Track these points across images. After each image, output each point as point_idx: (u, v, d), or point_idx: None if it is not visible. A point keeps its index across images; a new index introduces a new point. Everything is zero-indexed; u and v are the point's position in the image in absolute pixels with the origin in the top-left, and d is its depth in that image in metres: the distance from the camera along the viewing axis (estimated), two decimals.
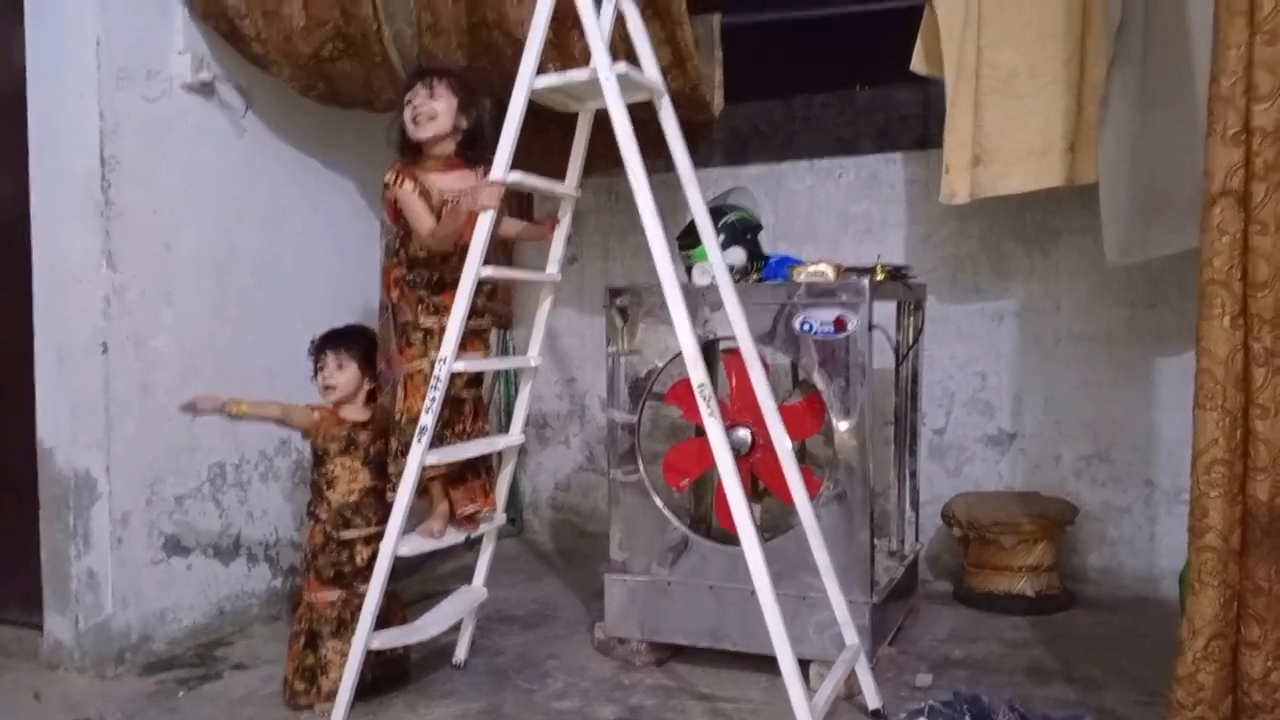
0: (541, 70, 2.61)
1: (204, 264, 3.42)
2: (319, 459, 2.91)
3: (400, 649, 2.94)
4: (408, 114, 2.79)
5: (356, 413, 2.93)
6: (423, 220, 2.75)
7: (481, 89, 2.91)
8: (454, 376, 2.67)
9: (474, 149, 2.84)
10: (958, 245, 4.06)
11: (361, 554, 2.86)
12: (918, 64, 3.69)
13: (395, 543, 2.65)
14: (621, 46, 2.75)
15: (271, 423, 2.99)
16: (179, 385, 3.29)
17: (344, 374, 2.90)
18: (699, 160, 2.91)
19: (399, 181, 2.78)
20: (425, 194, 2.77)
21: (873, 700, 2.70)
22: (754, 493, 3.20)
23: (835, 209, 4.26)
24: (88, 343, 3.11)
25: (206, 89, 3.40)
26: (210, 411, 2.78)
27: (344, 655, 2.73)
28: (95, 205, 3.09)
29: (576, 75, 2.59)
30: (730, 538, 2.67)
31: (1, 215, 3.27)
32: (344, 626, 2.81)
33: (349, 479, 2.88)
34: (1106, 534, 3.87)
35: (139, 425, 3.19)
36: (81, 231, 3.11)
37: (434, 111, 2.76)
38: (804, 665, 2.58)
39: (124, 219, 3.15)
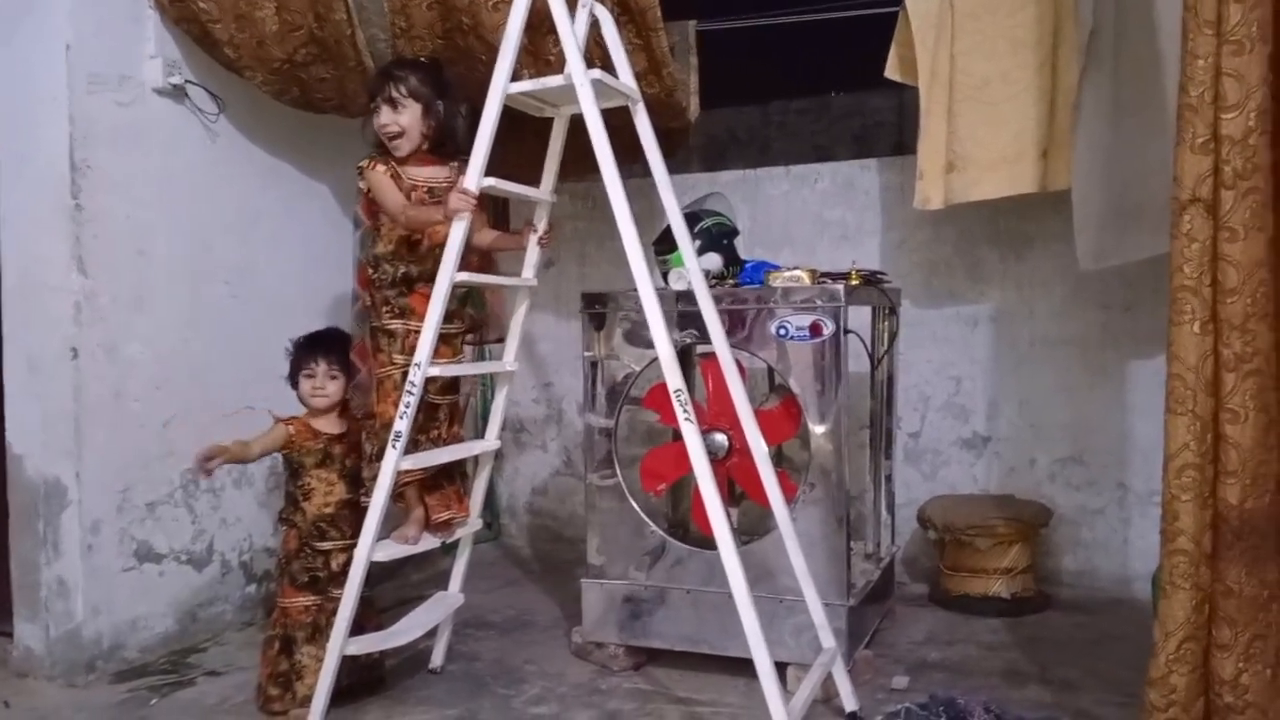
0: (516, 76, 2.61)
1: (177, 270, 3.39)
2: (295, 471, 2.89)
3: (375, 655, 2.92)
4: (377, 125, 2.79)
5: (331, 425, 2.92)
6: (393, 197, 2.76)
7: (447, 77, 2.89)
8: (427, 382, 2.66)
9: (445, 142, 2.85)
10: (932, 251, 4.08)
11: (336, 559, 2.84)
12: (892, 71, 3.72)
13: (370, 548, 2.64)
14: (597, 52, 2.76)
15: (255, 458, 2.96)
16: (152, 392, 3.27)
17: (335, 384, 2.90)
18: (675, 166, 2.92)
19: (371, 165, 2.80)
20: (397, 177, 2.78)
21: (849, 703, 2.70)
22: (731, 497, 3.20)
23: (811, 215, 4.28)
24: (58, 349, 3.08)
25: (179, 93, 3.37)
26: (218, 465, 2.78)
27: (318, 660, 2.71)
28: (66, 211, 3.06)
29: (551, 81, 2.60)
30: (707, 542, 2.68)
31: None
32: (318, 632, 2.80)
33: (325, 491, 2.87)
34: (1081, 537, 3.90)
35: (110, 432, 3.16)
36: (52, 237, 3.08)
37: (400, 127, 2.77)
38: (781, 668, 2.59)
39: (95, 224, 3.12)
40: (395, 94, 2.77)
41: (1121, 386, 3.82)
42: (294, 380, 2.93)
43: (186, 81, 3.37)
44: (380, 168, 2.78)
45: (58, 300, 3.09)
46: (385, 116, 2.78)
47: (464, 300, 2.94)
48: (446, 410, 2.94)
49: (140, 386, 3.25)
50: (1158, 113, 3.00)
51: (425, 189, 2.80)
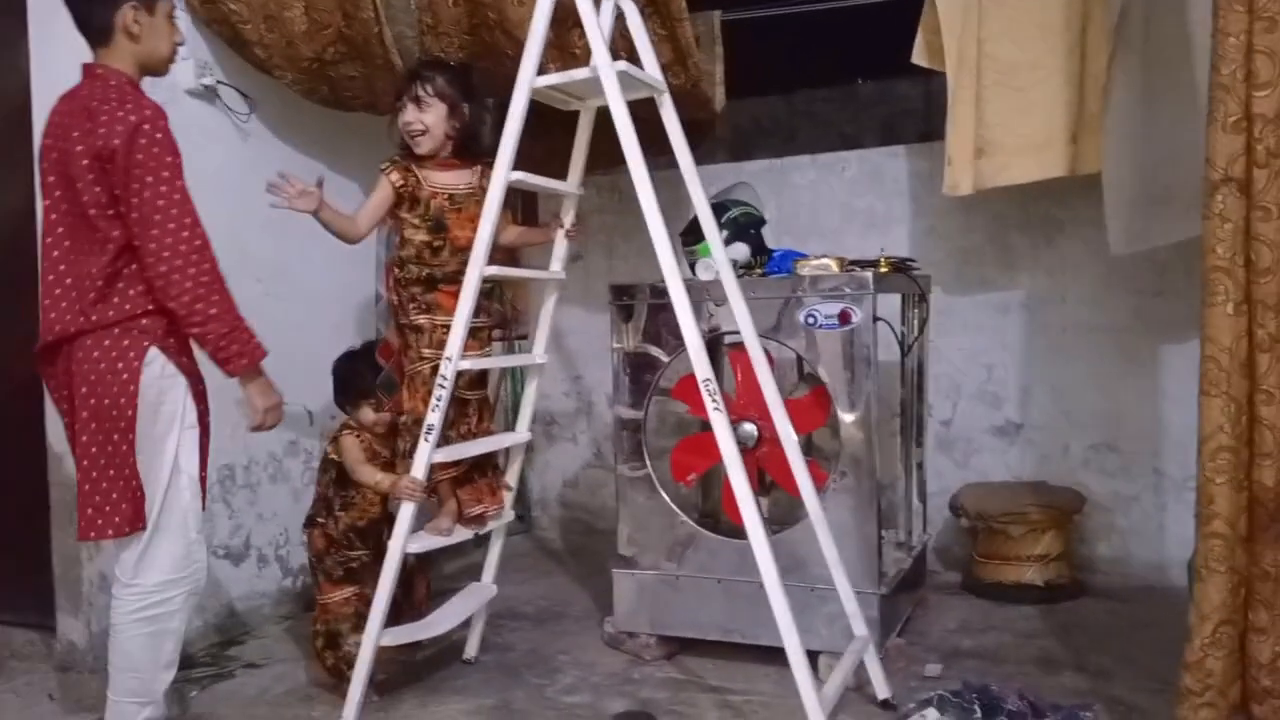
0: (542, 70, 2.62)
1: None
2: (341, 479, 2.90)
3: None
4: (401, 123, 2.82)
5: (383, 444, 2.94)
6: (370, 201, 2.82)
7: (475, 81, 2.91)
8: (456, 377, 2.67)
9: (470, 145, 2.87)
10: (963, 238, 4.06)
11: (364, 559, 2.89)
12: (919, 56, 3.70)
13: (404, 540, 2.66)
14: (622, 44, 2.76)
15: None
16: None
17: None
18: (702, 156, 2.92)
19: (387, 171, 2.82)
20: (417, 187, 2.80)
21: (882, 690, 2.70)
22: (761, 486, 3.20)
23: (839, 203, 4.26)
24: None
25: (210, 94, 3.42)
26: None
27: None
28: None
29: (577, 74, 2.60)
30: (738, 531, 2.68)
31: (11, 224, 3.29)
32: (362, 620, 2.81)
33: (365, 506, 2.90)
34: (1115, 523, 3.87)
35: None
36: None
37: (424, 125, 2.79)
38: (813, 657, 2.60)
39: None
40: (421, 93, 2.79)
41: (1154, 372, 3.78)
42: (353, 405, 2.95)
43: (218, 82, 3.41)
44: (395, 175, 2.80)
45: None
46: (410, 114, 2.80)
47: (489, 295, 2.96)
48: (476, 405, 2.95)
49: None
50: (1188, 94, 2.97)
51: (445, 195, 2.81)
